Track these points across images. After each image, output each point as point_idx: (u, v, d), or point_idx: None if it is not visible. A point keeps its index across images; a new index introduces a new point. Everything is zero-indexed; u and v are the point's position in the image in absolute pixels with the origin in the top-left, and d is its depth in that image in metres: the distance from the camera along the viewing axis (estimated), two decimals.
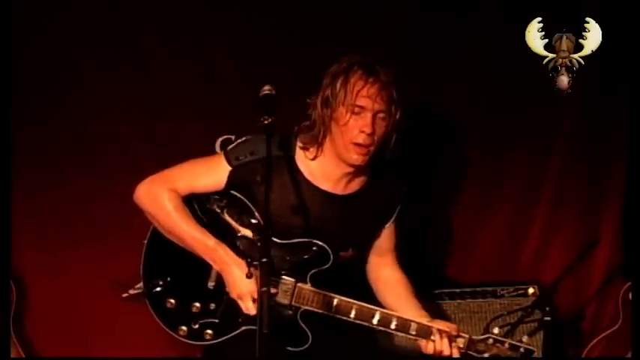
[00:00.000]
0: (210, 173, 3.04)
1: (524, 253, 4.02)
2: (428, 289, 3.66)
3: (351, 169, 3.01)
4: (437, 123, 3.92)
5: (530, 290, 3.62)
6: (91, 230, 3.87)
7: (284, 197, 2.92)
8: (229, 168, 3.00)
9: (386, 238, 3.21)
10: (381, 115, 2.91)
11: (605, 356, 3.90)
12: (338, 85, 2.90)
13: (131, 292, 3.23)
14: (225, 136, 3.78)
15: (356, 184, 3.07)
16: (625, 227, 3.93)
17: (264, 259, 2.45)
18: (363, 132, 2.89)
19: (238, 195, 3.03)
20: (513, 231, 4.03)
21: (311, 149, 3.00)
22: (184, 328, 3.02)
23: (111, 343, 3.88)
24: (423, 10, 3.80)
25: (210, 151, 3.48)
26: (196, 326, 3.02)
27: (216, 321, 3.02)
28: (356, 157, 2.93)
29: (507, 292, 3.73)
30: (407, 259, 3.27)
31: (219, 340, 3.01)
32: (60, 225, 3.91)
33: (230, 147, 3.04)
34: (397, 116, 2.94)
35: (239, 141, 3.04)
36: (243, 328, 2.99)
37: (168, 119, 3.87)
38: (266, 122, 2.73)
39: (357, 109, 2.89)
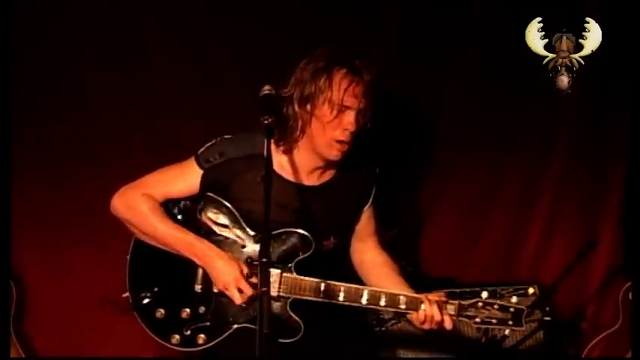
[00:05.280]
0: (184, 178, 3.08)
1: (524, 253, 4.02)
2: (428, 289, 3.65)
3: (323, 163, 3.05)
4: (437, 123, 3.92)
5: (530, 290, 3.61)
6: (91, 230, 3.87)
7: (259, 194, 2.89)
8: (201, 171, 3.05)
9: (366, 222, 3.23)
10: (363, 112, 2.97)
11: (605, 356, 3.90)
12: (321, 84, 2.93)
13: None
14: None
15: (328, 175, 3.11)
16: (625, 227, 3.92)
17: (264, 259, 2.46)
18: (347, 130, 2.94)
19: (214, 196, 3.06)
20: (513, 231, 4.02)
21: (283, 144, 3.02)
22: (176, 336, 3.02)
23: (111, 343, 3.88)
24: (422, 10, 3.80)
25: None
26: (188, 332, 3.02)
27: (208, 324, 3.02)
28: (336, 154, 2.99)
29: (507, 292, 3.71)
30: (407, 260, 3.27)
31: (212, 343, 3.01)
32: (60, 225, 3.91)
33: (200, 151, 3.07)
34: (371, 111, 3.01)
35: (208, 144, 3.07)
36: (235, 327, 2.99)
37: (169, 120, 3.87)
38: (266, 122, 2.74)
39: (343, 108, 2.93)
